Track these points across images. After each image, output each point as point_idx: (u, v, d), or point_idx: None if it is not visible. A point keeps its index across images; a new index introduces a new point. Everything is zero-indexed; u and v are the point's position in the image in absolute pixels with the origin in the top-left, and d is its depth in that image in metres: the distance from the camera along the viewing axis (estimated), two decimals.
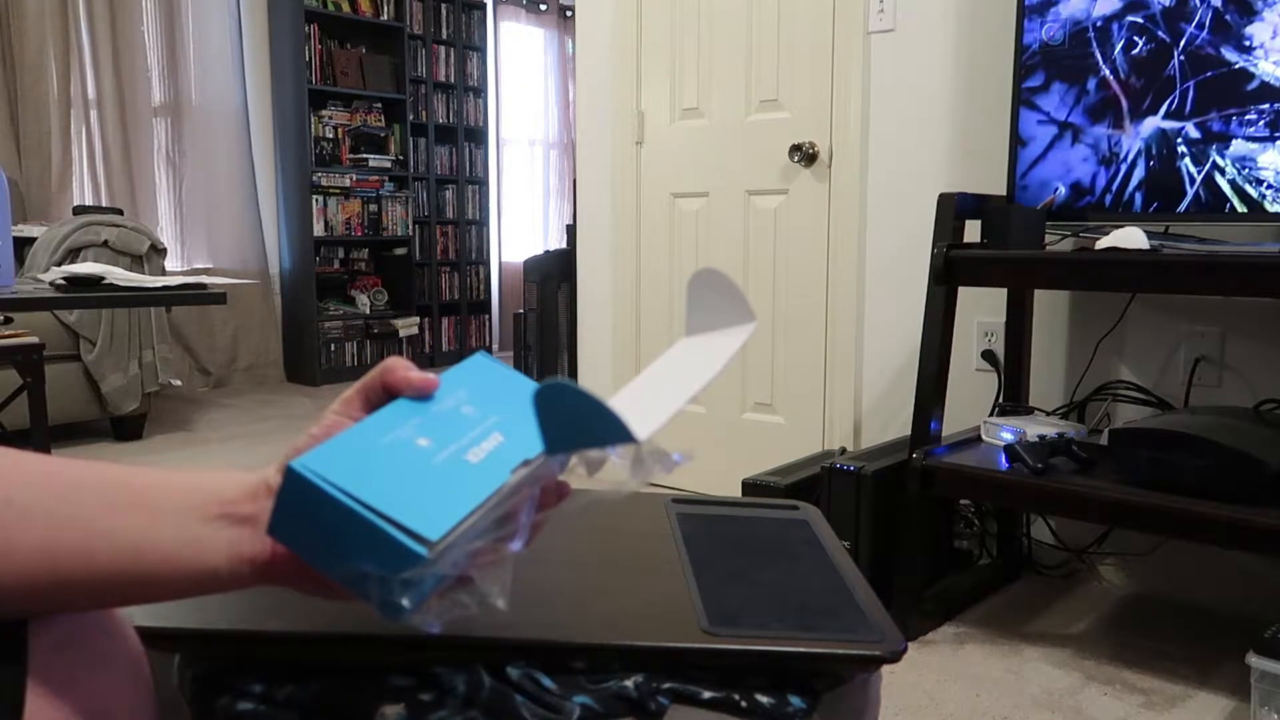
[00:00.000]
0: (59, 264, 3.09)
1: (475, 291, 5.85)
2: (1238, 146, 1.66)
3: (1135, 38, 1.75)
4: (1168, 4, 1.71)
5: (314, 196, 4.88)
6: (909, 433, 1.90)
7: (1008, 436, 1.88)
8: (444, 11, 5.57)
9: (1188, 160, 1.72)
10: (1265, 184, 1.64)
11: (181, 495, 0.46)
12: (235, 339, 4.85)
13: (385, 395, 0.50)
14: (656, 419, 0.43)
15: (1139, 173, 1.77)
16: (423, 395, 0.49)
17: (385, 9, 5.24)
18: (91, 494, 0.45)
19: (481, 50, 5.82)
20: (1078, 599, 2.05)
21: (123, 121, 4.42)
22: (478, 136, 5.82)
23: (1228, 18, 1.65)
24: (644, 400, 0.46)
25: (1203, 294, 1.95)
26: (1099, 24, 1.80)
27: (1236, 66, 1.64)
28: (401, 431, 0.46)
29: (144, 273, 3.23)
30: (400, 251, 5.36)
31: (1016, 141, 1.93)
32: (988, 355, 2.27)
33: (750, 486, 2.03)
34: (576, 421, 0.40)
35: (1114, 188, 1.81)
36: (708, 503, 0.82)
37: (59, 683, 0.45)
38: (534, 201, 6.44)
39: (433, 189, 5.54)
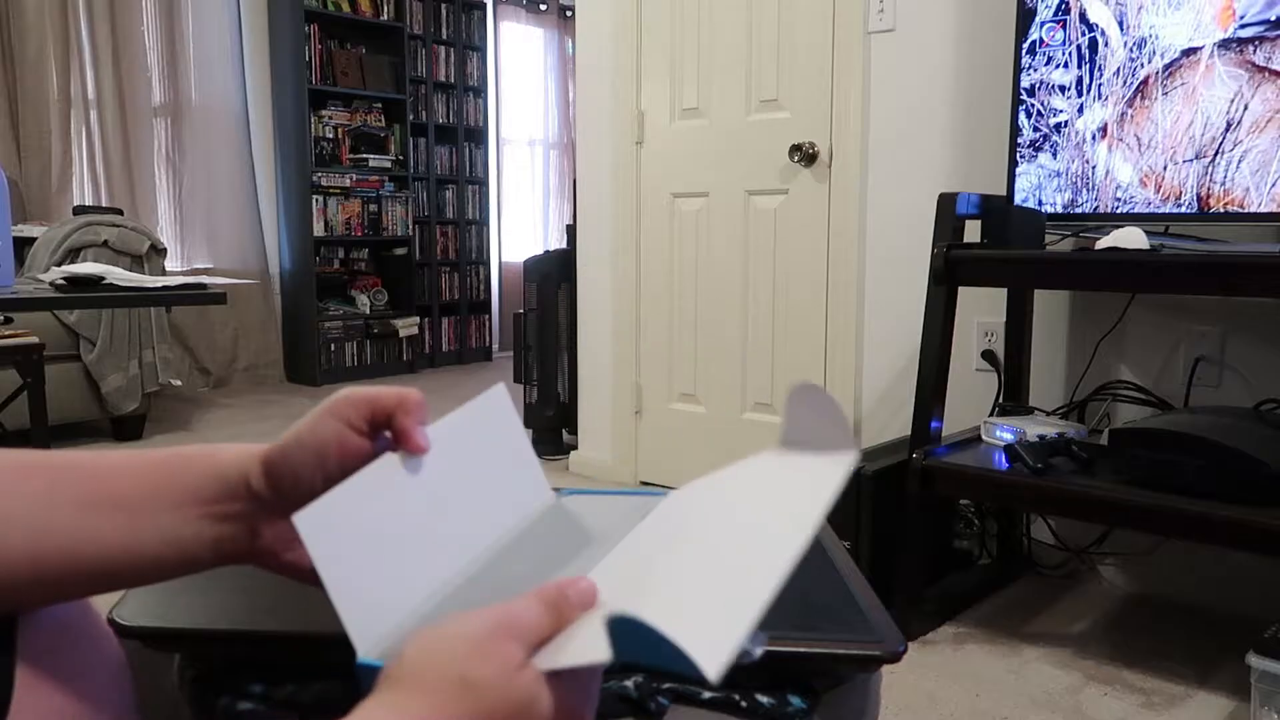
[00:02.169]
0: (59, 264, 3.09)
1: (475, 291, 5.85)
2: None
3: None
4: None
5: (314, 196, 4.88)
6: (909, 433, 1.90)
7: (1008, 436, 1.88)
8: (444, 11, 5.57)
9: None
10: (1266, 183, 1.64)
11: (157, 495, 0.47)
12: (235, 339, 4.85)
13: (384, 422, 0.51)
14: (737, 625, 0.36)
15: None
16: (418, 453, 0.50)
17: (385, 9, 5.24)
18: (68, 498, 0.45)
19: (481, 50, 5.82)
20: (1078, 599, 2.05)
21: (123, 121, 4.42)
22: (478, 136, 5.81)
23: None
24: (725, 566, 0.41)
25: (1203, 294, 1.96)
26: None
27: None
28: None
29: (144, 273, 3.23)
30: (400, 251, 5.36)
31: (1016, 141, 1.93)
32: (988, 355, 2.27)
33: None
34: (648, 644, 0.36)
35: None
36: None
37: (45, 683, 0.46)
38: (534, 201, 6.44)
39: (433, 189, 5.54)
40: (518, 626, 0.40)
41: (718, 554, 0.42)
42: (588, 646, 0.39)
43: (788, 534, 0.42)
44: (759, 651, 0.38)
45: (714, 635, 0.35)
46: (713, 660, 0.34)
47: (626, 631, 0.37)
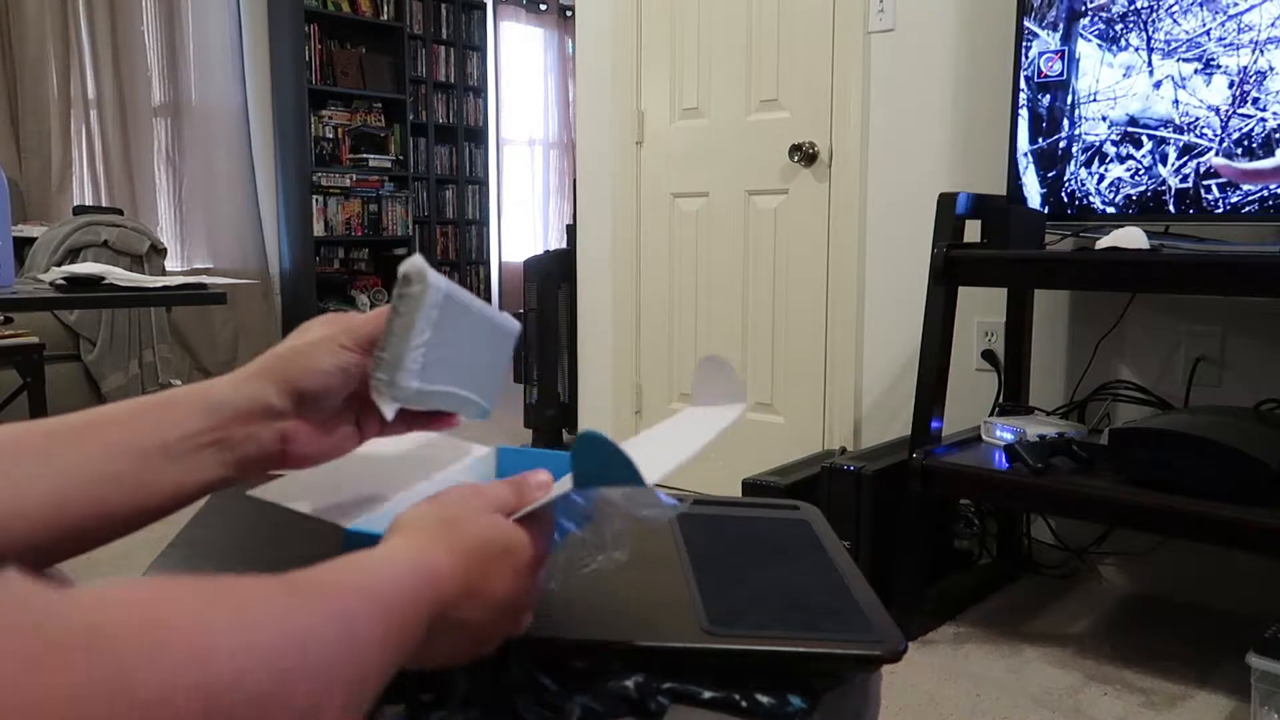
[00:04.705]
0: (59, 264, 3.09)
1: (475, 291, 5.85)
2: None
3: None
4: None
5: (314, 196, 4.88)
6: (909, 433, 1.90)
7: (1008, 436, 1.88)
8: (444, 11, 5.57)
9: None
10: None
11: (165, 444, 0.48)
12: (235, 339, 4.85)
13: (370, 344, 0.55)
14: (660, 470, 0.50)
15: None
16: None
17: (385, 9, 5.24)
18: (95, 441, 0.47)
19: (481, 50, 5.82)
20: (1078, 599, 2.05)
21: (123, 121, 4.41)
22: (478, 136, 5.82)
23: None
24: (651, 454, 0.53)
25: (1203, 294, 1.96)
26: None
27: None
28: None
29: (144, 273, 3.23)
30: (400, 251, 5.36)
31: (1017, 141, 1.93)
32: (988, 355, 2.27)
33: (750, 486, 2.03)
34: (602, 465, 0.48)
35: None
36: (708, 502, 0.82)
37: None
38: (534, 201, 6.44)
39: (433, 189, 5.55)
40: (486, 495, 0.49)
41: (644, 451, 0.54)
42: (557, 487, 0.51)
43: (691, 441, 0.59)
44: (677, 507, 0.53)
45: (647, 469, 0.47)
46: (649, 476, 0.47)
47: (586, 454, 0.47)
